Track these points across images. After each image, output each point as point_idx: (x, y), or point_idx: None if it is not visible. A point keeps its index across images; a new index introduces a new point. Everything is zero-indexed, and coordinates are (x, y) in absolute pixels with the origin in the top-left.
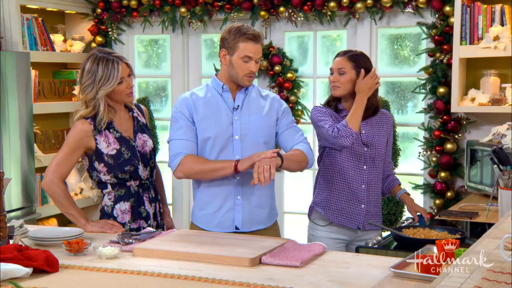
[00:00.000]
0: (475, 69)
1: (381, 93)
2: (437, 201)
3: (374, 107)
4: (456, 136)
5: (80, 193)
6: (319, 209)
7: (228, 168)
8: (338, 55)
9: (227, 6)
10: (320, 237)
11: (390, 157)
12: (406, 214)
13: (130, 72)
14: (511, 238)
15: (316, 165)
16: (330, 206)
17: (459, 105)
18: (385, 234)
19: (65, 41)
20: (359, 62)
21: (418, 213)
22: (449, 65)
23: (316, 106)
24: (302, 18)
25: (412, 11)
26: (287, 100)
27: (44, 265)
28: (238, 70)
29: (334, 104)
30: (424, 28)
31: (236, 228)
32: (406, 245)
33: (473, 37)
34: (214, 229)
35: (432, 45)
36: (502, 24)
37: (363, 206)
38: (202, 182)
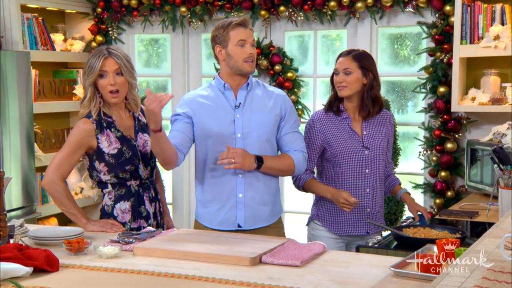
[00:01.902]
0: (476, 68)
1: (382, 92)
2: (437, 201)
3: (368, 110)
4: (457, 136)
5: (81, 192)
6: (322, 223)
7: (151, 137)
8: (341, 55)
9: (227, 5)
10: (320, 236)
11: (390, 157)
12: (407, 213)
13: (119, 71)
14: (511, 238)
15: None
16: (335, 220)
17: (460, 105)
18: (385, 233)
19: (65, 40)
20: (364, 61)
21: (419, 213)
22: (449, 65)
23: (313, 120)
24: (302, 18)
25: (413, 11)
26: None
27: (45, 264)
28: (237, 57)
29: (336, 104)
30: (424, 27)
31: (239, 226)
32: (406, 245)
33: (473, 37)
34: (218, 227)
35: (432, 45)
36: (503, 24)
37: (368, 210)
38: (205, 180)
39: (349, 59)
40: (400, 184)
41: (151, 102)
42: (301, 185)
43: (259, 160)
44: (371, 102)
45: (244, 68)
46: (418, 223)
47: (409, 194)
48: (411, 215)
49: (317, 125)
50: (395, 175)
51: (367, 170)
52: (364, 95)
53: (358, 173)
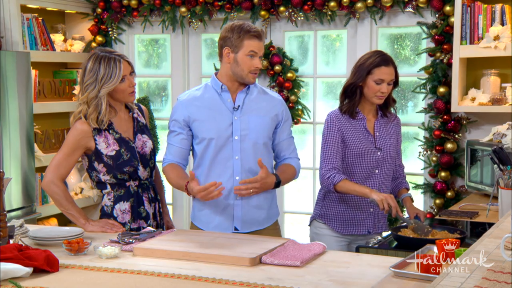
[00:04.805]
0: (476, 68)
1: None
2: (437, 201)
3: (386, 109)
4: (456, 136)
5: (81, 192)
6: (324, 221)
7: (182, 189)
8: (384, 63)
9: (227, 5)
10: (323, 235)
11: (400, 160)
12: (406, 215)
13: (132, 70)
14: (511, 238)
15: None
16: (338, 219)
17: (459, 105)
18: (385, 233)
19: (65, 40)
20: (396, 69)
21: (416, 216)
22: (449, 65)
23: (331, 118)
24: (302, 18)
25: (412, 11)
26: (287, 99)
27: (44, 264)
28: (244, 66)
29: (353, 108)
30: (424, 27)
31: (235, 229)
32: (406, 245)
33: (473, 37)
34: (214, 230)
35: (432, 45)
36: (503, 24)
37: (372, 210)
38: (202, 182)
39: (392, 70)
40: (407, 189)
41: (203, 196)
42: (335, 183)
43: (277, 184)
44: (393, 102)
45: (247, 79)
46: None
47: (412, 200)
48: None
49: (336, 123)
50: (405, 179)
51: (376, 171)
52: (388, 97)
53: (368, 173)
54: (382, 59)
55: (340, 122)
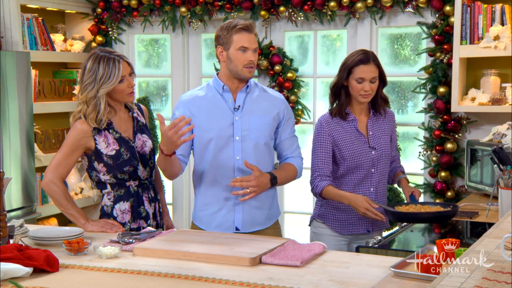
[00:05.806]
0: (476, 68)
1: None
2: (437, 201)
3: (378, 109)
4: (456, 136)
5: (81, 192)
6: (323, 221)
7: (160, 156)
8: (361, 62)
9: (227, 5)
10: (322, 234)
11: (395, 150)
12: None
13: (131, 71)
14: (511, 238)
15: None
16: (336, 218)
17: (459, 105)
18: (385, 233)
19: (65, 40)
20: (380, 64)
21: (411, 194)
22: (449, 65)
23: (321, 123)
24: (302, 18)
25: (412, 11)
26: (287, 99)
27: (44, 264)
28: (237, 62)
29: (343, 109)
30: (424, 27)
31: (237, 229)
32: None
33: (473, 37)
34: (215, 230)
35: (432, 45)
36: (503, 24)
37: None
38: (203, 183)
39: (373, 67)
40: (403, 172)
41: (174, 134)
42: (318, 192)
43: (273, 180)
44: (383, 101)
45: (243, 74)
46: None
47: (407, 181)
48: None
49: (325, 128)
50: (400, 164)
51: (372, 170)
52: (377, 96)
53: (365, 173)
54: (361, 58)
55: (330, 127)
